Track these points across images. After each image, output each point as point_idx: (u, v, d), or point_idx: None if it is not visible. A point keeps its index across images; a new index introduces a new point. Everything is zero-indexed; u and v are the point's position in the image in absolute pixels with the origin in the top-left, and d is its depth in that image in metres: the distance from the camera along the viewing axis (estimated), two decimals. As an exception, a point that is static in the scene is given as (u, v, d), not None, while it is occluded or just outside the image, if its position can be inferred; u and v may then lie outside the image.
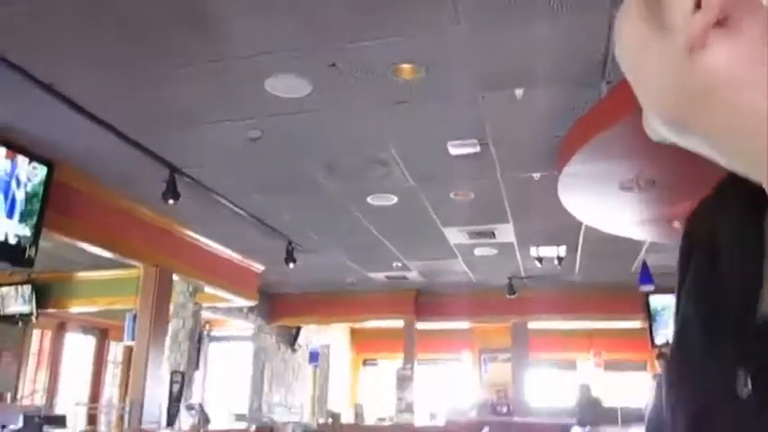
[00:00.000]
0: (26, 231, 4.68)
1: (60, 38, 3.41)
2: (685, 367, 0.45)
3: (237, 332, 12.13)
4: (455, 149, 4.76)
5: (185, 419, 5.33)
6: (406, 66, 3.66)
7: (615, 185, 4.60)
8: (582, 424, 7.95)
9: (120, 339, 11.77)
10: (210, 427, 5.04)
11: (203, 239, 7.27)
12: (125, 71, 3.79)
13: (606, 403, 9.03)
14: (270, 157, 5.02)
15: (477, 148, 4.74)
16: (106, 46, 3.49)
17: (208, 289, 7.91)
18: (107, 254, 5.90)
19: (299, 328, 11.43)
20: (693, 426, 0.42)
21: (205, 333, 10.05)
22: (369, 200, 5.88)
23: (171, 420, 5.00)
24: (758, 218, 0.41)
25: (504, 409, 9.81)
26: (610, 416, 8.39)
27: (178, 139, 4.72)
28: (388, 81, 3.80)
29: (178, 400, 5.13)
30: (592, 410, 8.60)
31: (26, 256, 4.68)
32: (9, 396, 8.94)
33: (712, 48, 0.35)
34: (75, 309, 9.40)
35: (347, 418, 10.45)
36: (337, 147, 4.83)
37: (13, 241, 4.60)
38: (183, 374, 5.24)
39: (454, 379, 13.26)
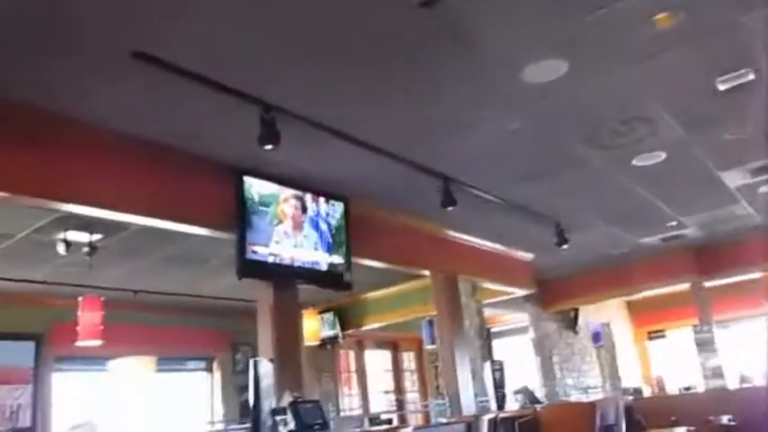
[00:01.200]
0: (341, 260, 5.44)
1: (330, 82, 3.92)
2: None
3: (514, 325, 12.47)
4: (725, 84, 4.50)
5: (512, 403, 5.74)
6: (662, 15, 3.61)
7: None
8: None
9: (409, 350, 12.88)
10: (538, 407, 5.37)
11: (475, 239, 7.68)
12: (389, 97, 4.22)
13: None
14: (531, 144, 5.21)
15: (750, 77, 4.43)
16: (368, 79, 3.93)
17: (486, 285, 8.29)
18: (401, 269, 6.56)
19: (576, 310, 11.35)
20: None
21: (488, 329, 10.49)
22: (634, 162, 5.75)
23: (500, 404, 5.41)
24: None
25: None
26: None
27: (444, 148, 5.12)
28: (645, 35, 3.77)
29: (501, 386, 5.52)
30: None
31: (345, 280, 5.44)
32: (332, 408, 10.23)
33: None
34: (369, 326, 10.41)
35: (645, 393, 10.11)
36: (596, 117, 4.85)
37: (332, 270, 5.38)
38: (501, 363, 5.64)
39: (754, 336, 12.04)
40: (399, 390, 12.35)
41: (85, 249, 5.69)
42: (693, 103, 4.75)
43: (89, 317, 6.33)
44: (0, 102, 3.60)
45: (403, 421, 10.74)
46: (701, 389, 9.85)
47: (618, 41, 3.83)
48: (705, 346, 9.69)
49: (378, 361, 12.33)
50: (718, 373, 9.53)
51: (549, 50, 3.82)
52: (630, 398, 7.26)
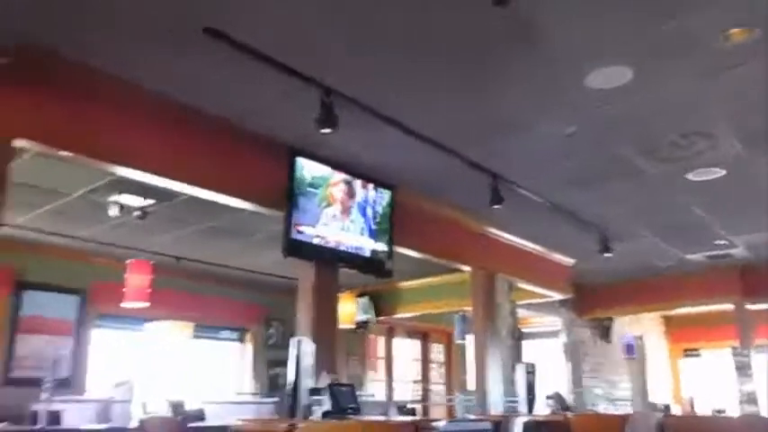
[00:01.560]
0: (383, 247, 5.48)
1: (391, 70, 3.93)
2: None
3: (542, 328, 12.37)
4: (793, 107, 4.37)
5: (542, 407, 5.73)
6: (736, 30, 3.51)
7: None
8: None
9: (439, 342, 12.90)
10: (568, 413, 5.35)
11: (516, 239, 7.63)
12: (448, 91, 4.22)
13: None
14: (585, 150, 5.14)
15: (821, 101, 4.29)
16: (430, 71, 3.93)
17: (523, 286, 8.23)
18: (443, 262, 6.56)
19: (611, 320, 11.20)
20: None
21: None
22: (690, 176, 5.64)
23: (530, 407, 5.40)
24: None
25: None
26: None
27: (497, 146, 5.09)
28: (715, 49, 3.67)
29: (532, 389, 5.51)
30: None
31: (386, 268, 5.48)
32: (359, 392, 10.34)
33: None
34: (401, 315, 10.46)
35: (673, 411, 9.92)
36: (656, 128, 4.76)
37: (374, 256, 5.42)
38: (534, 366, 5.63)
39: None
40: (425, 380, 12.41)
41: (137, 213, 5.84)
42: (757, 122, 4.62)
43: (137, 279, 6.50)
44: (65, 63, 3.70)
45: (426, 412, 10.79)
46: (732, 413, 9.63)
47: (687, 54, 3.75)
48: (743, 369, 9.45)
49: (406, 349, 12.39)
50: (752, 398, 9.29)
51: (616, 57, 3.77)
52: (662, 414, 7.15)
